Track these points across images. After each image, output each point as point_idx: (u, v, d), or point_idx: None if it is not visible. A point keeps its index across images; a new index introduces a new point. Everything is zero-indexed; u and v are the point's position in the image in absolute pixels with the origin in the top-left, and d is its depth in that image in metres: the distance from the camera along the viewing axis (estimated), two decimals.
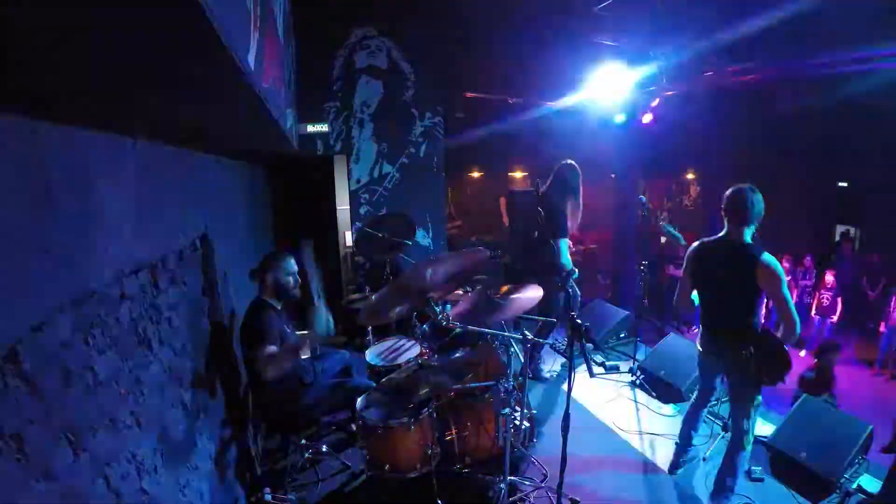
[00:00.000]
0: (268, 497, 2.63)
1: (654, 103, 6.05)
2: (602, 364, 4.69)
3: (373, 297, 2.64)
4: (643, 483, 3.07)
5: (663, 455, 3.30)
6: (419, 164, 5.95)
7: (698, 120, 8.26)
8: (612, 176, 7.78)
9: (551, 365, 4.65)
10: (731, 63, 5.08)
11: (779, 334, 2.54)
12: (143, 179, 1.63)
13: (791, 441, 3.16)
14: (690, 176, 13.11)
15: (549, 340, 4.97)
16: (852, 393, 5.58)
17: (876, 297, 7.54)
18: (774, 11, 3.99)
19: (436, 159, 6.03)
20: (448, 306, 3.33)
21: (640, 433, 3.60)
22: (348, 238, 5.45)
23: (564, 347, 4.99)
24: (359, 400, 2.78)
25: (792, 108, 5.62)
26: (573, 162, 4.04)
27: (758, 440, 3.36)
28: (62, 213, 1.10)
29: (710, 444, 3.35)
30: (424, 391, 2.60)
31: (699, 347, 2.89)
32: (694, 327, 6.87)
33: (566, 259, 3.76)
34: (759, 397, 2.65)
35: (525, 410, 2.98)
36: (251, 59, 1.54)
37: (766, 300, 2.56)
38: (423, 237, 6.02)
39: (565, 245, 3.84)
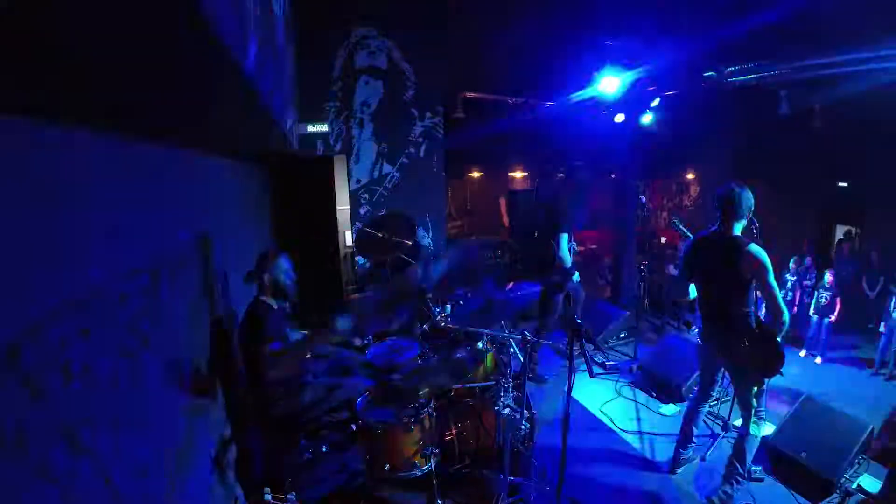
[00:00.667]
0: (268, 497, 2.62)
1: (655, 103, 6.05)
2: (602, 364, 4.69)
3: (373, 298, 2.64)
4: (643, 483, 3.07)
5: (663, 455, 3.30)
6: (419, 164, 5.95)
7: (698, 120, 8.26)
8: (612, 176, 7.78)
9: (549, 367, 4.65)
10: (731, 63, 5.08)
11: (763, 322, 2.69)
12: (143, 179, 1.63)
13: (791, 441, 3.16)
14: (690, 176, 13.11)
15: (549, 340, 4.98)
16: (852, 393, 5.58)
17: (876, 297, 7.54)
18: (774, 11, 3.99)
19: (436, 159, 6.03)
20: (448, 306, 3.33)
21: (640, 433, 3.60)
22: (348, 238, 5.45)
23: (564, 347, 4.99)
24: (359, 400, 2.78)
25: (792, 108, 5.61)
26: (582, 165, 4.08)
27: None
28: (62, 213, 1.10)
29: (711, 445, 3.35)
30: (424, 391, 2.60)
31: (699, 339, 3.04)
32: (694, 327, 6.86)
33: (564, 252, 3.76)
34: (766, 381, 2.76)
35: (525, 410, 2.97)
36: (251, 59, 1.54)
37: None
38: (423, 237, 6.02)
39: (565, 240, 3.86)
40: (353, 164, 5.75)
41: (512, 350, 3.30)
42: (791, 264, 7.41)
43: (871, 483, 2.95)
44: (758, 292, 2.65)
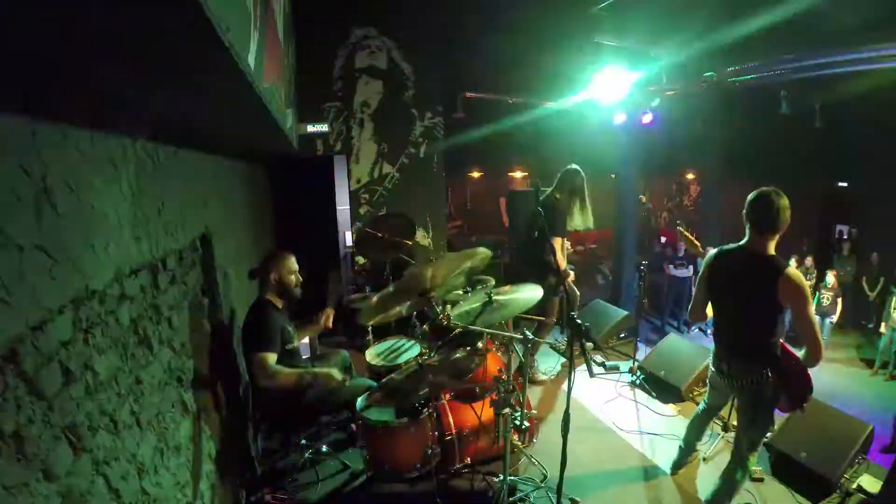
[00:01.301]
0: (268, 497, 2.63)
1: (655, 103, 6.05)
2: (602, 364, 4.69)
3: (373, 297, 2.64)
4: (643, 483, 3.07)
5: (663, 455, 3.30)
6: (419, 164, 5.95)
7: (698, 120, 8.26)
8: (613, 176, 7.78)
9: (551, 366, 4.65)
10: (732, 63, 5.08)
11: (794, 354, 2.37)
12: (144, 179, 1.63)
13: (791, 441, 3.16)
14: (690, 176, 13.12)
15: (549, 340, 4.98)
16: (852, 393, 5.58)
17: (876, 298, 7.55)
18: (774, 11, 3.99)
19: (436, 159, 6.04)
20: (448, 306, 3.33)
21: (640, 433, 3.60)
22: (348, 238, 5.45)
23: (564, 347, 4.99)
24: (359, 400, 2.78)
25: (792, 108, 5.62)
26: (577, 167, 4.08)
27: None
28: (62, 213, 1.10)
29: (711, 445, 3.35)
30: (424, 391, 2.60)
31: (711, 367, 2.67)
32: (694, 328, 6.87)
33: (559, 254, 3.77)
34: (773, 426, 2.47)
35: (525, 410, 2.98)
36: (251, 59, 1.54)
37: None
38: (423, 237, 6.03)
39: (559, 244, 3.87)
40: (353, 164, 5.75)
41: (512, 350, 3.31)
42: (791, 264, 7.42)
43: (871, 483, 2.95)
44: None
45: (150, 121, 1.72)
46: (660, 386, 4.16)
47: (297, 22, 4.90)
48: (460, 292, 3.54)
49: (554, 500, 2.47)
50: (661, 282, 7.52)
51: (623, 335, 5.39)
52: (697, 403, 3.24)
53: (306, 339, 3.48)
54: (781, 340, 2.38)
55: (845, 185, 9.18)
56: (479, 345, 3.22)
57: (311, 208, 5.26)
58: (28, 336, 0.96)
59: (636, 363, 4.48)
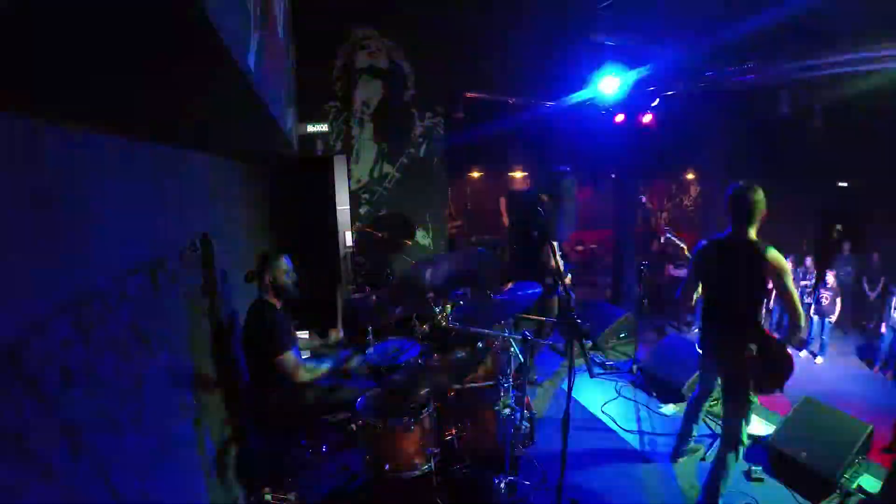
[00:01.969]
0: (268, 497, 2.63)
1: (655, 103, 6.05)
2: (602, 364, 4.68)
3: (373, 297, 2.64)
4: (643, 482, 3.07)
5: (664, 455, 3.31)
6: (419, 164, 5.95)
7: (698, 120, 8.26)
8: (613, 176, 7.78)
9: (553, 369, 4.65)
10: (732, 63, 5.08)
11: (776, 336, 2.59)
12: (143, 179, 1.63)
13: (791, 441, 3.16)
14: (690, 176, 13.11)
15: (549, 341, 4.98)
16: (852, 393, 5.58)
17: (876, 298, 7.54)
18: (774, 11, 3.99)
19: (436, 159, 6.03)
20: (448, 306, 3.33)
21: (640, 433, 3.60)
22: (348, 238, 5.45)
23: (564, 347, 4.99)
24: (359, 400, 2.78)
25: (792, 108, 5.62)
26: (567, 168, 4.06)
27: (758, 440, 3.37)
28: (62, 213, 1.10)
29: (711, 444, 3.35)
30: (424, 391, 2.60)
31: (699, 349, 2.91)
32: (694, 327, 6.86)
33: (556, 256, 3.77)
34: (755, 399, 2.64)
35: (525, 410, 2.98)
36: (251, 59, 1.54)
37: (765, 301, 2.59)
38: (423, 237, 6.02)
39: (556, 246, 3.86)
40: (353, 164, 5.75)
41: (512, 350, 3.31)
42: (791, 264, 7.42)
43: (871, 483, 2.95)
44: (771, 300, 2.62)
45: (150, 121, 1.72)
46: (660, 386, 4.16)
47: (297, 22, 4.90)
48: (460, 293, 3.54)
49: (554, 501, 2.47)
50: (662, 282, 7.52)
51: (623, 335, 5.39)
52: None
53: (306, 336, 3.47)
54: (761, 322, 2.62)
55: (845, 185, 9.17)
56: (479, 345, 3.22)
57: (311, 208, 5.25)
58: (28, 336, 0.96)
59: (636, 363, 4.48)
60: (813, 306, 6.77)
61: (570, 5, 5.35)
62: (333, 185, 5.24)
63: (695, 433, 3.21)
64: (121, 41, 0.94)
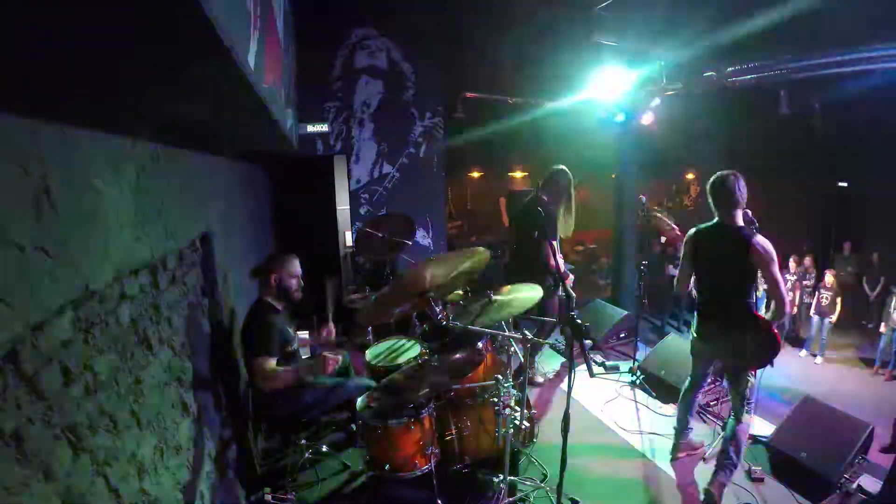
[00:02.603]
0: (268, 497, 2.63)
1: (655, 103, 6.05)
2: (602, 364, 4.69)
3: (372, 297, 2.63)
4: (643, 483, 3.07)
5: (664, 455, 3.30)
6: (419, 164, 5.95)
7: (698, 120, 8.26)
8: (613, 176, 7.77)
9: (549, 367, 4.65)
10: (732, 63, 5.08)
11: (768, 315, 2.70)
12: (144, 179, 1.63)
13: (791, 441, 3.16)
14: (690, 176, 13.11)
15: (549, 341, 4.97)
16: (852, 393, 5.58)
17: (876, 298, 7.54)
18: (774, 11, 3.99)
19: (436, 159, 6.04)
20: (448, 306, 3.33)
21: (640, 433, 3.60)
22: (348, 238, 5.45)
23: (564, 347, 4.99)
24: (359, 400, 2.78)
25: (792, 108, 5.61)
26: (565, 168, 4.04)
27: (758, 440, 3.36)
28: (62, 213, 1.10)
29: (712, 445, 3.35)
30: (424, 391, 2.60)
31: (693, 333, 2.98)
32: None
33: (554, 262, 3.77)
34: (758, 372, 2.80)
35: (525, 410, 2.98)
36: (251, 59, 1.54)
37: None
38: (423, 237, 6.03)
39: (555, 248, 3.86)
40: (353, 164, 5.75)
41: (512, 350, 3.31)
42: (791, 264, 7.42)
43: (871, 483, 2.95)
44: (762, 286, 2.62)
45: (150, 121, 1.72)
46: (660, 386, 4.16)
47: (297, 22, 4.90)
48: (460, 292, 3.54)
49: (554, 500, 2.47)
50: (662, 282, 7.51)
51: (623, 335, 5.39)
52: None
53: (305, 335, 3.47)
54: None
55: (845, 184, 9.17)
56: (479, 345, 3.22)
57: (311, 208, 5.25)
58: (28, 336, 0.96)
59: (636, 363, 4.48)
60: (813, 306, 6.76)
61: (570, 5, 5.34)
62: (333, 185, 5.25)
63: (691, 424, 3.25)
64: (120, 40, 0.94)
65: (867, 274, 7.85)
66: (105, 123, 1.37)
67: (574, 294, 4.39)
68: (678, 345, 4.47)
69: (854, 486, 2.92)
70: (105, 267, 1.32)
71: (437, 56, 5.86)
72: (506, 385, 2.73)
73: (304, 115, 5.35)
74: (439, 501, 2.65)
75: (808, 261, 7.51)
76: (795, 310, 7.19)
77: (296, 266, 2.80)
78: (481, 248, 2.68)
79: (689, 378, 3.17)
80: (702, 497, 2.82)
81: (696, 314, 2.98)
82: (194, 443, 2.00)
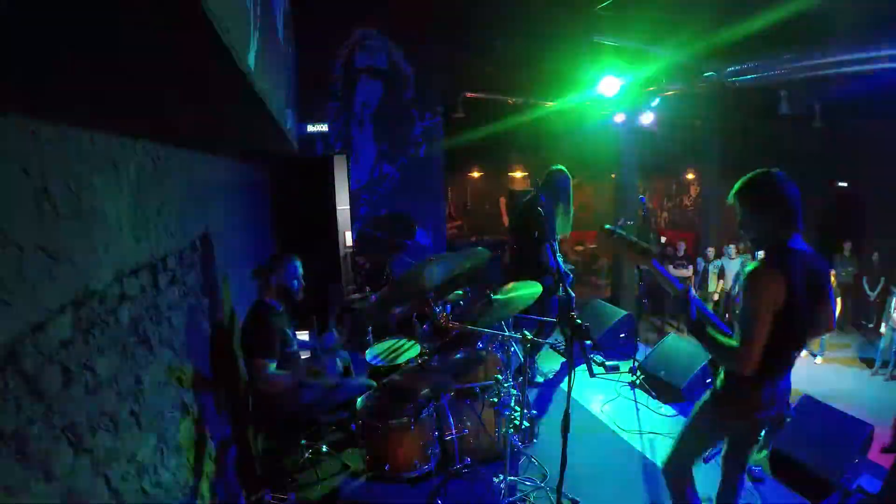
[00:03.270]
0: (268, 497, 2.63)
1: (655, 103, 6.05)
2: (602, 364, 4.68)
3: (372, 297, 2.64)
4: (643, 483, 3.07)
5: (664, 455, 3.30)
6: (419, 164, 5.95)
7: (698, 120, 8.26)
8: (612, 176, 7.78)
9: (553, 368, 4.65)
10: (731, 63, 5.08)
11: None
12: (143, 179, 1.63)
13: (791, 441, 3.16)
14: (690, 176, 13.12)
15: (549, 341, 4.97)
16: (852, 393, 5.58)
17: (876, 298, 7.55)
18: (774, 11, 3.99)
19: (436, 159, 6.03)
20: (448, 306, 3.33)
21: (640, 433, 3.60)
22: (348, 238, 5.45)
23: (564, 347, 4.99)
24: (359, 400, 2.78)
25: (792, 108, 5.62)
26: (563, 168, 4.04)
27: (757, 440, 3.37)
28: (62, 213, 1.10)
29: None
30: (424, 391, 2.60)
31: (757, 415, 2.07)
32: None
33: (554, 262, 3.77)
34: None
35: (525, 410, 2.98)
36: (251, 59, 1.54)
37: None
38: (423, 237, 6.03)
39: (555, 248, 3.86)
40: (353, 164, 5.75)
41: (512, 350, 3.31)
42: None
43: (871, 483, 2.95)
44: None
45: (150, 120, 1.72)
46: (660, 386, 4.16)
47: (297, 21, 4.90)
48: (460, 292, 3.54)
49: (554, 500, 2.47)
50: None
51: (623, 335, 5.39)
52: None
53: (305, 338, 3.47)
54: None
55: (845, 185, 9.18)
56: (479, 345, 3.23)
57: (311, 208, 5.26)
58: (28, 336, 0.96)
59: (636, 363, 4.48)
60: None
61: (569, 5, 5.35)
62: (333, 185, 5.25)
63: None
64: (121, 42, 0.94)
65: (867, 274, 7.86)
66: (105, 123, 1.37)
67: (574, 294, 4.41)
68: (678, 345, 4.47)
69: (854, 486, 2.92)
70: (105, 267, 1.32)
71: (437, 56, 5.86)
72: (506, 385, 2.73)
73: (304, 115, 5.35)
74: (439, 501, 2.65)
75: None
76: None
77: (297, 267, 2.80)
78: (481, 249, 2.69)
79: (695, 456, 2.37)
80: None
81: (769, 379, 1.96)
82: (194, 443, 2.00)
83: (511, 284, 3.10)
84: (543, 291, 2.99)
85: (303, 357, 3.08)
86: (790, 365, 2.06)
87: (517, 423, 2.67)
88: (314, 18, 5.16)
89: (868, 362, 6.61)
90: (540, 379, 4.39)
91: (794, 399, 3.64)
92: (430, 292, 2.58)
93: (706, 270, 6.88)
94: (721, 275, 6.79)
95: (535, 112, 7.50)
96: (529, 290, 2.94)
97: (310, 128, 5.45)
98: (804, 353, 6.78)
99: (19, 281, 0.94)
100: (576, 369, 3.34)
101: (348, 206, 5.61)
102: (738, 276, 6.64)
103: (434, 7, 5.54)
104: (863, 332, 7.71)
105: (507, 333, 2.89)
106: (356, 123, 5.70)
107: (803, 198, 1.86)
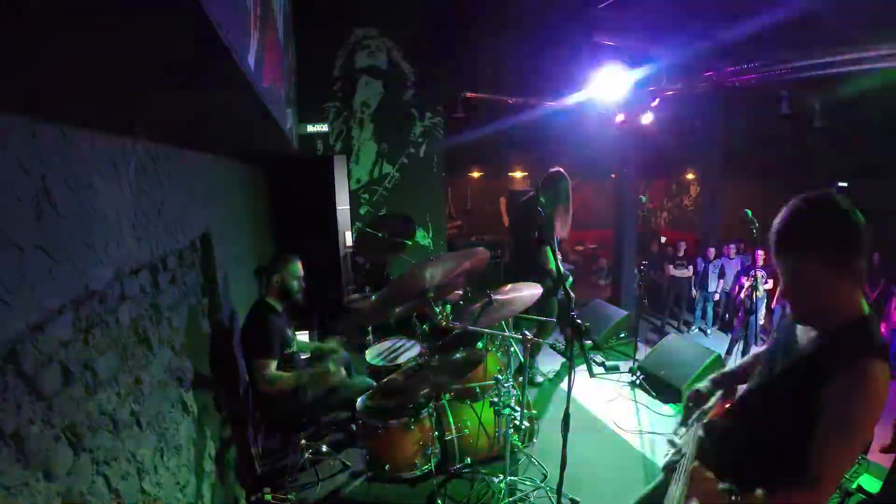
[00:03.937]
0: (268, 497, 2.63)
1: (654, 103, 6.05)
2: (602, 364, 4.69)
3: (372, 297, 2.64)
4: (643, 483, 3.07)
5: (663, 455, 3.30)
6: (419, 164, 5.95)
7: (698, 120, 8.26)
8: (612, 176, 7.78)
9: (554, 368, 4.65)
10: (732, 63, 5.08)
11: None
12: (143, 179, 1.63)
13: None
14: (690, 176, 13.11)
15: (549, 341, 4.97)
16: None
17: (876, 298, 7.54)
18: (775, 11, 3.98)
19: (436, 159, 6.03)
20: (448, 306, 3.33)
21: (640, 433, 3.60)
22: (348, 238, 5.45)
23: (564, 347, 4.99)
24: (359, 400, 2.78)
25: (792, 108, 5.62)
26: (562, 169, 4.04)
27: None
28: (62, 213, 1.10)
29: None
30: (424, 391, 2.60)
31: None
32: (694, 328, 6.86)
33: (552, 265, 3.76)
34: None
35: (525, 410, 2.98)
36: (251, 59, 1.54)
37: None
38: (423, 237, 6.02)
39: (554, 248, 3.85)
40: (353, 164, 5.74)
41: (512, 350, 3.30)
42: None
43: (871, 483, 2.95)
44: None
45: (150, 121, 1.72)
46: (660, 386, 4.16)
47: (297, 22, 4.90)
48: (460, 292, 3.54)
49: (554, 501, 2.47)
50: (662, 282, 7.52)
51: (623, 335, 5.39)
52: None
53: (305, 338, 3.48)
54: None
55: (845, 185, 9.18)
56: (479, 345, 3.22)
57: (311, 208, 5.25)
58: (28, 336, 0.96)
59: (636, 363, 4.48)
60: None
61: (570, 5, 5.34)
62: (333, 185, 5.25)
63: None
64: (121, 42, 0.94)
65: (867, 274, 7.86)
66: (105, 123, 1.37)
67: (574, 294, 4.40)
68: (678, 345, 4.47)
69: (854, 486, 2.91)
70: (105, 267, 1.32)
71: (437, 56, 5.85)
72: (506, 385, 2.73)
73: (304, 115, 5.34)
74: (439, 501, 2.65)
75: None
76: None
77: (298, 267, 2.81)
78: (481, 249, 2.69)
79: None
80: None
81: None
82: (194, 443, 2.00)
83: (510, 285, 3.10)
84: (543, 292, 2.99)
85: (303, 358, 3.08)
86: None
87: (517, 423, 2.66)
88: (314, 18, 5.16)
89: None
90: (540, 379, 4.39)
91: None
92: (430, 292, 2.58)
93: (706, 270, 6.88)
94: (721, 275, 6.78)
95: (535, 112, 7.49)
96: (529, 290, 2.93)
97: (310, 128, 5.45)
98: None
99: (19, 281, 0.94)
100: (576, 369, 3.34)
101: (348, 206, 5.60)
102: (737, 275, 6.63)
103: (434, 7, 5.53)
104: None
105: (507, 333, 2.89)
106: (356, 123, 5.69)
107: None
